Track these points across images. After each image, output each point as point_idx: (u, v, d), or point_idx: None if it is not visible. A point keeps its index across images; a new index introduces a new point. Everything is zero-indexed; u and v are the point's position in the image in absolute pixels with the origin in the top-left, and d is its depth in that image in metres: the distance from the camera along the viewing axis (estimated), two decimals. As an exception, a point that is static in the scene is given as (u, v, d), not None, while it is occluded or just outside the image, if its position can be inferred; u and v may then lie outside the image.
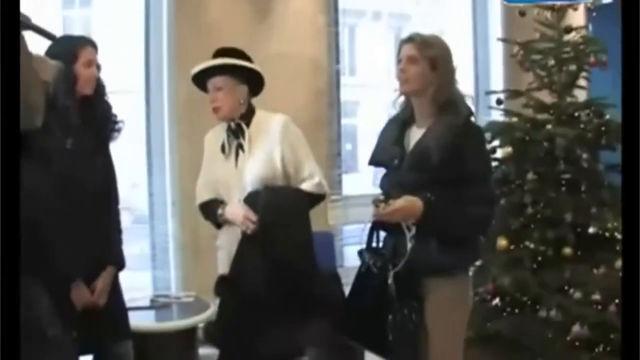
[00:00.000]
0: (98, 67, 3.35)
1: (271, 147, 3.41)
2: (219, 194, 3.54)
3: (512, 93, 5.07)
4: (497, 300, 4.68)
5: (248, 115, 3.51)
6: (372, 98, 10.28)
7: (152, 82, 5.65)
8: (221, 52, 3.53)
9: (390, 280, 3.03)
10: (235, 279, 3.37)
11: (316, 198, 3.51)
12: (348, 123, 6.87)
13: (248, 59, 3.54)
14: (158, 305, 4.82)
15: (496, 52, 6.86)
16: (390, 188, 3.10)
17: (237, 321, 3.37)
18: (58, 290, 3.04)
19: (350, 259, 5.75)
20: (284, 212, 3.39)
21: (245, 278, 3.32)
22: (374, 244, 3.17)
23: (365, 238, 3.19)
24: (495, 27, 7.17)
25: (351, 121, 10.32)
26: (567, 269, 4.43)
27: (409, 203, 2.94)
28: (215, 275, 3.52)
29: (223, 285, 3.44)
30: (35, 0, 2.59)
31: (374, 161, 3.26)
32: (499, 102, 5.05)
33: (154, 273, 5.64)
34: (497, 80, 6.82)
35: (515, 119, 4.88)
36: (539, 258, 4.52)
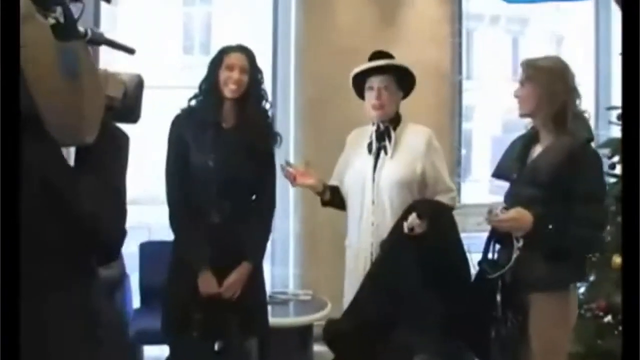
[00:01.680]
0: (251, 75, 3.45)
1: (414, 157, 3.54)
2: (349, 186, 3.67)
3: (634, 109, 5.01)
4: (609, 318, 4.66)
5: (396, 120, 3.64)
6: (488, 102, 10.27)
7: (279, 84, 5.82)
8: (378, 55, 3.66)
9: (498, 292, 3.15)
10: (381, 277, 3.46)
11: (451, 210, 3.66)
12: (464, 127, 6.88)
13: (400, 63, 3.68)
14: (276, 301, 4.95)
15: (619, 65, 6.76)
16: (507, 200, 3.24)
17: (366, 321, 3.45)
18: (183, 273, 3.44)
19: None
20: (445, 222, 3.53)
21: (391, 279, 3.42)
22: (489, 255, 3.26)
23: (482, 247, 3.31)
24: (618, 37, 7.00)
25: (467, 125, 10.31)
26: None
27: (519, 215, 3.04)
28: (337, 278, 3.68)
29: (331, 331, 3.56)
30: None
31: (497, 174, 3.40)
32: (620, 117, 5.01)
33: (272, 269, 5.76)
34: (618, 95, 6.73)
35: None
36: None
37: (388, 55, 3.66)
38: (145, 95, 1.81)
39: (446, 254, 3.43)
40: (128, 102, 1.76)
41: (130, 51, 2.02)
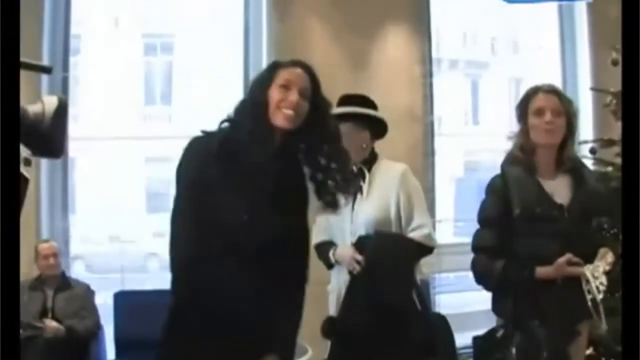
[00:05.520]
0: (314, 102, 2.56)
1: (388, 193, 3.51)
2: (333, 235, 3.64)
3: (606, 142, 5.09)
4: (590, 350, 4.66)
5: (371, 160, 3.63)
6: (449, 144, 10.35)
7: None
8: (344, 99, 3.64)
9: None
10: (343, 319, 3.46)
11: (425, 249, 3.58)
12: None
13: (372, 103, 3.65)
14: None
15: (586, 102, 6.89)
16: (552, 242, 3.08)
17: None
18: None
19: (444, 307, 5.81)
20: (391, 257, 3.47)
21: (351, 319, 3.41)
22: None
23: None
24: (585, 76, 7.20)
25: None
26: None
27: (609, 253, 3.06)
28: (317, 322, 3.61)
29: (331, 327, 3.52)
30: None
31: (527, 214, 3.14)
32: (592, 151, 5.09)
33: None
34: (587, 130, 6.85)
35: (610, 168, 4.91)
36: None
37: (357, 98, 3.65)
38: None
39: (388, 294, 3.41)
40: (44, 130, 1.50)
41: (47, 70, 1.84)
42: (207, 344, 2.43)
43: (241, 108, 2.56)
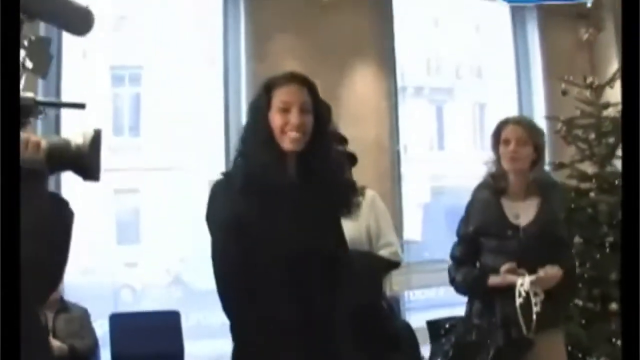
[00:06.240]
0: (317, 112, 2.44)
1: (359, 217, 3.67)
2: None
3: (557, 165, 5.33)
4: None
5: None
6: (415, 170, 10.51)
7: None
8: None
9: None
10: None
11: (392, 264, 3.86)
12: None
13: (344, 139, 3.81)
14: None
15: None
16: (510, 257, 3.31)
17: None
18: None
19: (414, 323, 5.94)
20: (359, 272, 3.64)
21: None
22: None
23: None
24: (539, 104, 7.48)
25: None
26: (614, 322, 4.67)
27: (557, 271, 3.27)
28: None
29: None
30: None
31: (481, 232, 3.44)
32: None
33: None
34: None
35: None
36: (587, 314, 4.80)
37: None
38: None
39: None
40: (85, 158, 1.72)
41: (81, 106, 1.97)
42: None
43: (247, 137, 2.45)
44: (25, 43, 1.88)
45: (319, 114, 2.44)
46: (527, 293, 3.17)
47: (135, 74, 11.73)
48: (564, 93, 5.38)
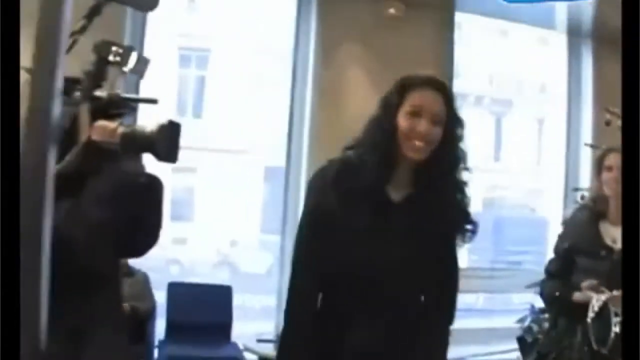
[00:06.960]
0: (448, 127, 2.20)
1: None
2: None
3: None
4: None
5: None
6: (468, 179, 10.57)
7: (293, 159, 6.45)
8: None
9: None
10: None
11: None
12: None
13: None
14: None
15: (586, 154, 7.16)
16: (599, 278, 3.37)
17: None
18: None
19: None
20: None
21: None
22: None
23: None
24: (587, 130, 7.53)
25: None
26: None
27: None
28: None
29: None
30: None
31: (575, 249, 3.53)
32: (582, 198, 5.39)
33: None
34: (586, 177, 7.11)
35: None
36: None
37: None
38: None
39: None
40: (152, 143, 1.97)
41: (153, 101, 2.21)
42: None
43: (369, 130, 2.26)
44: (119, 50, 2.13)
45: (451, 126, 2.20)
46: (601, 310, 3.23)
47: (202, 56, 11.99)
48: (607, 124, 5.44)
